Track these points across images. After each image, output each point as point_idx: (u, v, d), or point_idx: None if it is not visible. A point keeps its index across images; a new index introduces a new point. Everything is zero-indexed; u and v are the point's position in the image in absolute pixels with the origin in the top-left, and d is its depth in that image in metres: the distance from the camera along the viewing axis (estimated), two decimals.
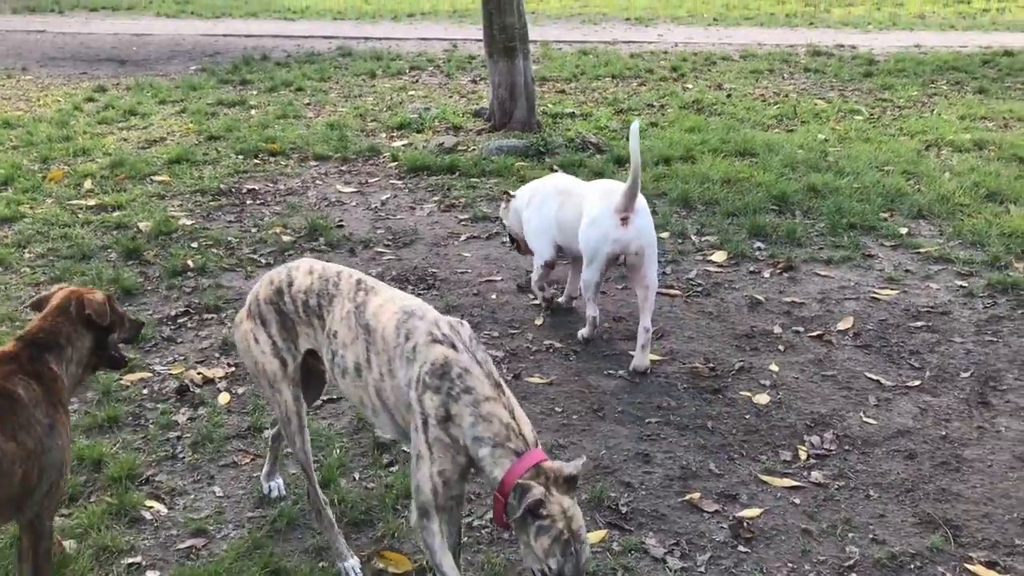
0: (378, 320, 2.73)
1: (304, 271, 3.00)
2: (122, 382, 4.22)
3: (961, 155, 7.67)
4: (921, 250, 5.70)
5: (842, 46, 13.44)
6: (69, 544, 3.14)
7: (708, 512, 3.35)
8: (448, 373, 2.53)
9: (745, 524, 3.27)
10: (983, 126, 8.66)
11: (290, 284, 2.98)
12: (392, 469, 3.61)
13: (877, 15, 17.32)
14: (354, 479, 3.55)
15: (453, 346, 2.58)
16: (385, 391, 2.71)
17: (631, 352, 4.47)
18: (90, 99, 10.29)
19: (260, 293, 3.05)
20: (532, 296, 5.15)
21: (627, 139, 8.03)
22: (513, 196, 5.04)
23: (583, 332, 4.66)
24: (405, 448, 3.68)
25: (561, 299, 5.07)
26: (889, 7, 18.54)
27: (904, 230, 5.98)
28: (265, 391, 3.08)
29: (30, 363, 2.68)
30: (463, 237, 6.08)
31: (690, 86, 10.81)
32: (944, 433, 3.84)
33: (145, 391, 4.19)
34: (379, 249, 5.87)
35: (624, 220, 4.27)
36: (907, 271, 5.43)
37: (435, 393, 2.53)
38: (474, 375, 2.53)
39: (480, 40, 9.99)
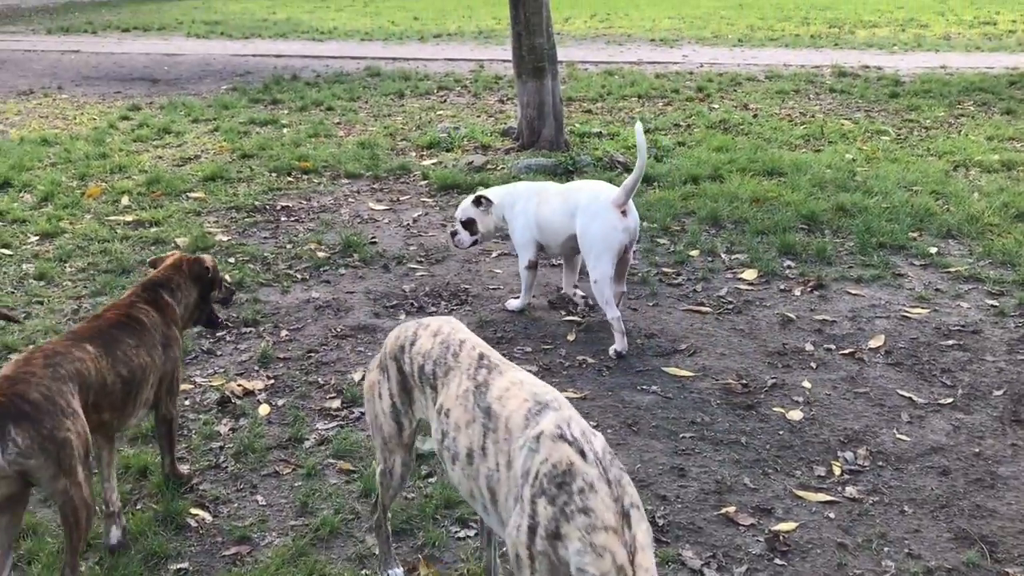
0: (504, 406, 2.42)
1: (430, 332, 2.77)
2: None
3: (989, 175, 7.69)
4: (951, 269, 5.72)
5: (867, 67, 13.47)
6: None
7: (744, 525, 3.39)
8: (569, 484, 2.17)
9: (781, 537, 3.30)
10: (1011, 147, 8.66)
11: (412, 343, 2.78)
12: (431, 480, 3.67)
13: (902, 36, 17.33)
14: None
15: (582, 453, 2.21)
16: (499, 485, 2.39)
17: (664, 368, 4.53)
18: (125, 117, 10.49)
19: (388, 345, 2.88)
20: (563, 312, 5.23)
21: (650, 156, 8.12)
22: (492, 201, 5.17)
23: (615, 347, 4.71)
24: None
25: (568, 292, 5.35)
26: (914, 28, 18.54)
27: (934, 249, 6.01)
28: (376, 444, 2.95)
29: (149, 297, 3.46)
30: (494, 254, 6.16)
31: (716, 106, 10.88)
32: (978, 450, 3.86)
33: (187, 402, 4.28)
34: (412, 265, 5.96)
35: (624, 213, 4.66)
36: (937, 290, 5.45)
37: (550, 503, 2.18)
38: (599, 495, 2.14)
39: (506, 60, 10.14)
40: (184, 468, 3.69)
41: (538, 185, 5.28)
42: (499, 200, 5.16)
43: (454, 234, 5.28)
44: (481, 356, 2.61)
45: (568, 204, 4.83)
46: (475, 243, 5.33)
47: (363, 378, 4.43)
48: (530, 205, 5.02)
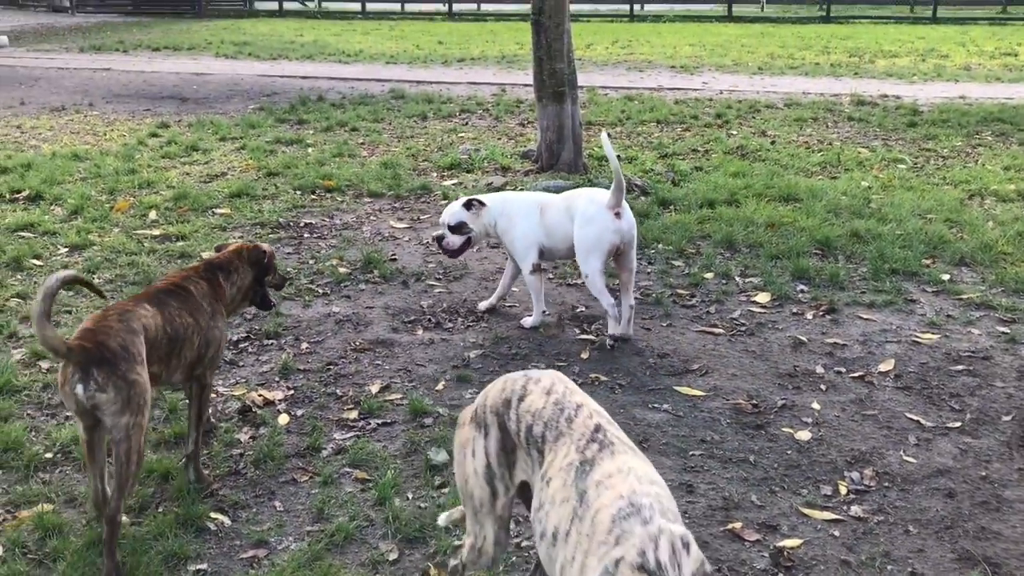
0: (598, 496, 2.15)
1: (542, 388, 2.51)
2: (187, 401, 4.43)
3: (1005, 204, 7.73)
4: (963, 296, 5.77)
5: (886, 96, 13.55)
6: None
7: (749, 541, 3.46)
8: None
9: (785, 553, 3.37)
10: None
11: (521, 399, 2.51)
12: (444, 490, 3.76)
13: (922, 66, 17.39)
14: (407, 498, 3.71)
15: None
16: None
17: (676, 388, 4.62)
18: (154, 134, 10.71)
19: (489, 397, 2.61)
20: (578, 331, 5.32)
21: (671, 181, 8.22)
22: (484, 204, 5.36)
23: (611, 332, 5.10)
24: None
25: (484, 304, 5.61)
26: (934, 59, 18.59)
27: (946, 276, 6.06)
28: (467, 512, 2.67)
29: (204, 274, 3.88)
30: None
31: (734, 132, 10.98)
32: (984, 473, 3.91)
33: (209, 410, 4.39)
34: (430, 282, 6.08)
35: (617, 215, 4.99)
36: (949, 316, 5.50)
37: None
38: None
39: (527, 85, 10.30)
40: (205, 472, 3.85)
41: (534, 196, 5.53)
42: (492, 206, 5.36)
43: (440, 238, 5.44)
44: (597, 428, 2.35)
45: (569, 208, 5.17)
46: (464, 248, 5.48)
47: (380, 388, 4.57)
48: (532, 214, 5.28)
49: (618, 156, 9.40)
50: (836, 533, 3.51)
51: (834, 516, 3.61)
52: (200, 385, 3.81)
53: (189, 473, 3.77)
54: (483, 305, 5.61)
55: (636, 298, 5.77)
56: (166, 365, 3.54)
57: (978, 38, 22.93)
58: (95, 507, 3.35)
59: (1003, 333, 5.27)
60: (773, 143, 10.32)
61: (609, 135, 5.95)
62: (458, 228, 5.36)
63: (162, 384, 3.65)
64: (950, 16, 30.38)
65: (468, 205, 5.34)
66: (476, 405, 2.64)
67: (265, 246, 4.20)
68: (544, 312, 5.40)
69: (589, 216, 5.05)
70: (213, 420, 4.26)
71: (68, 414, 3.27)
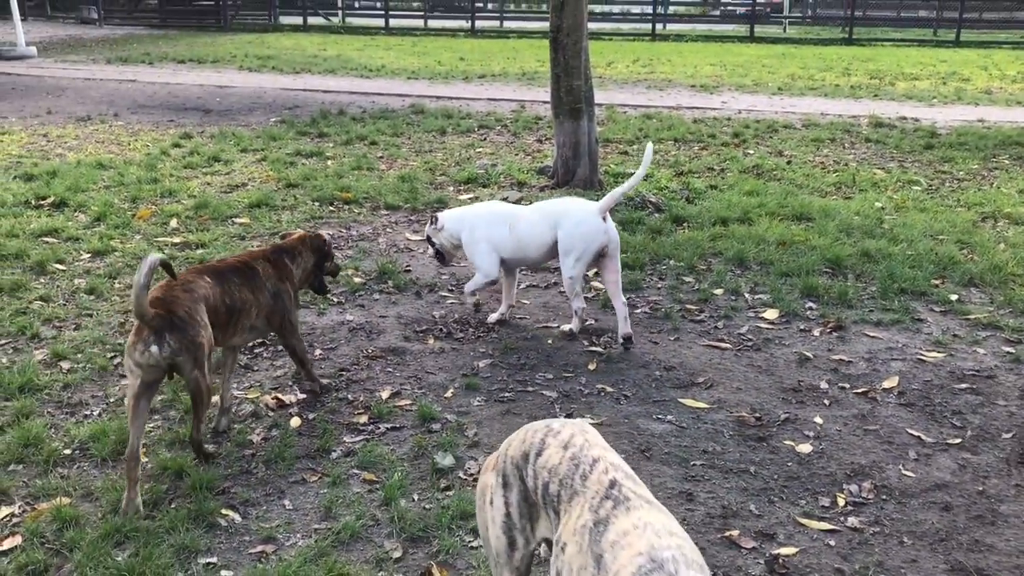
0: (615, 557, 1.98)
1: (560, 442, 2.34)
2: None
3: (1017, 227, 7.77)
4: (970, 316, 5.82)
5: (905, 118, 13.59)
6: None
7: (746, 548, 3.52)
8: None
9: (780, 560, 3.43)
10: None
11: (539, 453, 2.35)
12: (449, 493, 3.85)
13: (943, 89, 17.42)
14: (413, 499, 3.80)
15: None
16: None
17: (680, 400, 4.69)
18: (176, 145, 10.91)
19: (512, 447, 2.45)
20: (586, 343, 5.41)
21: (685, 199, 8.30)
22: (441, 219, 5.64)
23: (571, 326, 5.52)
24: (461, 475, 3.95)
25: (494, 316, 5.76)
26: (955, 82, 18.61)
27: (954, 296, 6.11)
28: (490, 560, 2.54)
29: (273, 258, 4.45)
30: (523, 285, 6.36)
31: (751, 151, 11.06)
32: (981, 488, 3.96)
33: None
34: (443, 293, 6.19)
35: (604, 218, 5.27)
36: (955, 336, 5.55)
37: None
38: None
39: (547, 102, 10.42)
40: (324, 381, 4.79)
41: (501, 209, 5.64)
42: (451, 222, 5.61)
43: (432, 245, 5.77)
44: (612, 484, 2.15)
45: (549, 218, 5.37)
46: (441, 257, 5.78)
47: (390, 395, 4.68)
48: (498, 230, 5.47)
49: (633, 173, 9.55)
50: (831, 543, 3.57)
51: (830, 526, 3.67)
52: (288, 347, 4.56)
53: (308, 385, 4.72)
54: (493, 318, 5.71)
55: (646, 312, 5.88)
56: (223, 330, 4.10)
57: (1001, 62, 22.93)
58: (128, 463, 3.68)
59: (1008, 353, 5.31)
60: (789, 163, 10.39)
61: (654, 149, 6.34)
62: (429, 240, 5.74)
63: (224, 344, 4.22)
64: (973, 39, 30.37)
65: (433, 219, 5.66)
66: (499, 452, 2.50)
67: (324, 234, 4.78)
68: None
69: (579, 220, 5.28)
70: (228, 422, 4.38)
71: (129, 372, 3.68)
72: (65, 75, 18.34)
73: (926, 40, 31.02)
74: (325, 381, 4.78)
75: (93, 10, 35.63)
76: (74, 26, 34.50)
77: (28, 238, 7.05)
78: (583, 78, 8.97)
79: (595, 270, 5.76)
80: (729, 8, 41.27)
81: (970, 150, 11.19)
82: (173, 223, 7.60)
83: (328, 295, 5.32)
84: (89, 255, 6.78)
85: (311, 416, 4.50)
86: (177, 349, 3.68)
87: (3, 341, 5.28)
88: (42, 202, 8.10)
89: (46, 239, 7.08)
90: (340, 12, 38.57)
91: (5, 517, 3.63)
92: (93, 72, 18.95)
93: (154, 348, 3.65)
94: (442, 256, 5.77)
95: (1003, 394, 4.83)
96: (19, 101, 14.76)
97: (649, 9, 35.00)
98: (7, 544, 3.45)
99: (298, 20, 35.65)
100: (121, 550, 3.41)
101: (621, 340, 5.32)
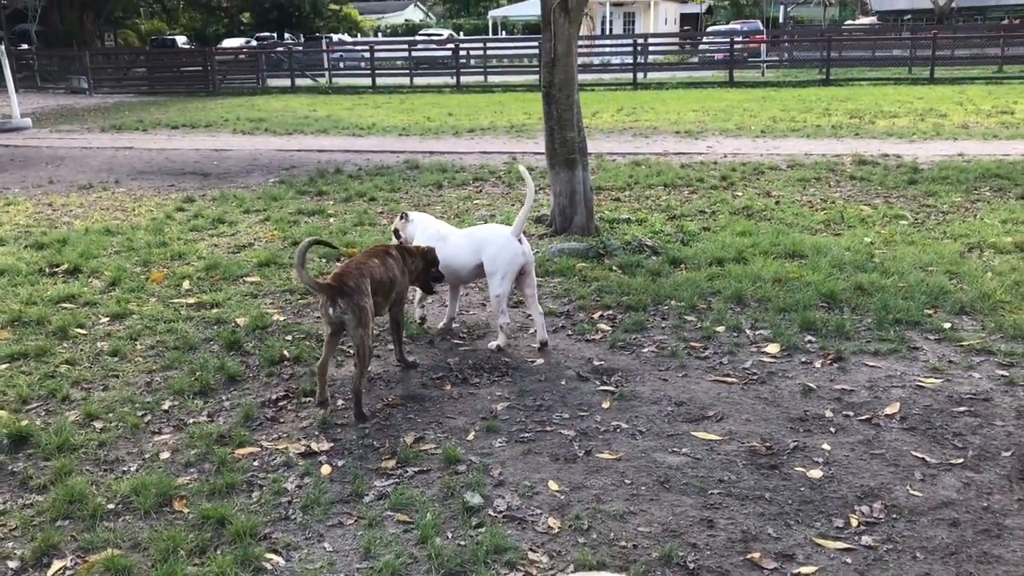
0: None
1: None
2: (234, 455, 4.73)
3: (1003, 256, 8.06)
4: (964, 343, 6.06)
5: (887, 155, 13.98)
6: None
7: (768, 569, 3.71)
8: None
9: None
10: None
11: None
12: (481, 529, 4.03)
13: (921, 125, 17.89)
14: (447, 537, 3.97)
15: None
16: None
17: (693, 433, 4.90)
18: (180, 208, 11.17)
19: None
20: (598, 383, 5.62)
21: (680, 241, 8.56)
22: (410, 218, 6.47)
23: (498, 342, 6.15)
24: (492, 512, 4.13)
25: (441, 324, 6.62)
26: (933, 118, 19.11)
27: (947, 325, 6.36)
28: None
29: (398, 251, 5.68)
30: (531, 330, 6.58)
31: (740, 193, 11.38)
32: (986, 504, 4.16)
33: (256, 463, 4.69)
34: (455, 341, 6.40)
35: (520, 240, 6.02)
36: (951, 362, 5.79)
37: None
38: None
39: (538, 153, 10.76)
40: (411, 359, 5.94)
41: (438, 226, 6.35)
42: (414, 223, 6.40)
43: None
44: None
45: (474, 243, 6.12)
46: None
47: (414, 439, 4.86)
48: (432, 241, 6.13)
49: (628, 219, 9.88)
50: (848, 560, 3.76)
51: (846, 545, 3.86)
52: (395, 321, 5.78)
53: (405, 360, 5.89)
54: (440, 325, 6.60)
55: (653, 351, 6.10)
56: (384, 298, 5.35)
57: (975, 97, 23.52)
58: (320, 370, 5.25)
59: (1002, 376, 5.54)
60: (778, 203, 10.70)
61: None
62: (396, 233, 6.50)
63: (380, 313, 5.41)
64: (947, 76, 31.10)
65: (403, 216, 6.47)
66: None
67: (432, 248, 5.94)
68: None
69: (500, 245, 6.02)
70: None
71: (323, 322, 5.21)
72: (62, 145, 18.65)
73: (902, 78, 31.77)
74: (411, 359, 5.92)
75: (83, 80, 36.18)
76: (64, 96, 35.00)
77: (47, 304, 7.24)
78: (576, 129, 9.29)
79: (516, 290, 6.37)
80: (707, 55, 42.13)
81: (952, 184, 11.54)
82: (186, 284, 7.80)
83: (434, 292, 6.34)
84: (108, 318, 6.97)
85: (340, 463, 4.68)
86: (344, 310, 4.94)
87: (35, 404, 5.46)
88: (56, 269, 8.31)
89: (64, 305, 7.27)
90: (327, 73, 39.21)
91: (58, 571, 3.79)
92: (89, 141, 19.27)
93: (330, 310, 4.98)
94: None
95: (1000, 415, 5.05)
96: (20, 172, 15.03)
97: (629, 60, 35.76)
98: None
99: (286, 82, 36.25)
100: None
101: (539, 345, 6.12)
